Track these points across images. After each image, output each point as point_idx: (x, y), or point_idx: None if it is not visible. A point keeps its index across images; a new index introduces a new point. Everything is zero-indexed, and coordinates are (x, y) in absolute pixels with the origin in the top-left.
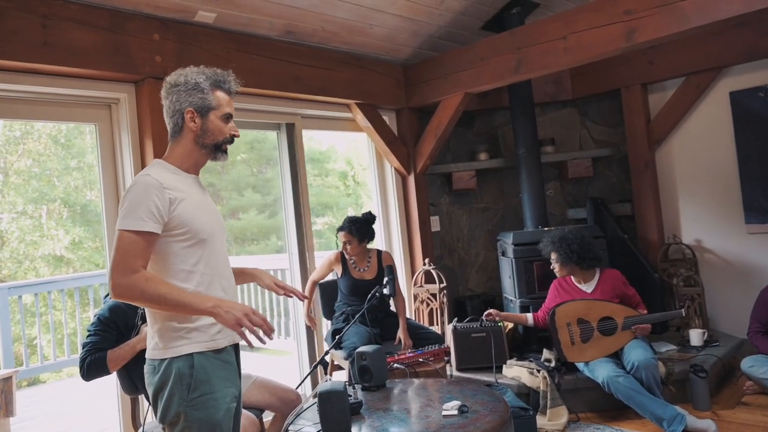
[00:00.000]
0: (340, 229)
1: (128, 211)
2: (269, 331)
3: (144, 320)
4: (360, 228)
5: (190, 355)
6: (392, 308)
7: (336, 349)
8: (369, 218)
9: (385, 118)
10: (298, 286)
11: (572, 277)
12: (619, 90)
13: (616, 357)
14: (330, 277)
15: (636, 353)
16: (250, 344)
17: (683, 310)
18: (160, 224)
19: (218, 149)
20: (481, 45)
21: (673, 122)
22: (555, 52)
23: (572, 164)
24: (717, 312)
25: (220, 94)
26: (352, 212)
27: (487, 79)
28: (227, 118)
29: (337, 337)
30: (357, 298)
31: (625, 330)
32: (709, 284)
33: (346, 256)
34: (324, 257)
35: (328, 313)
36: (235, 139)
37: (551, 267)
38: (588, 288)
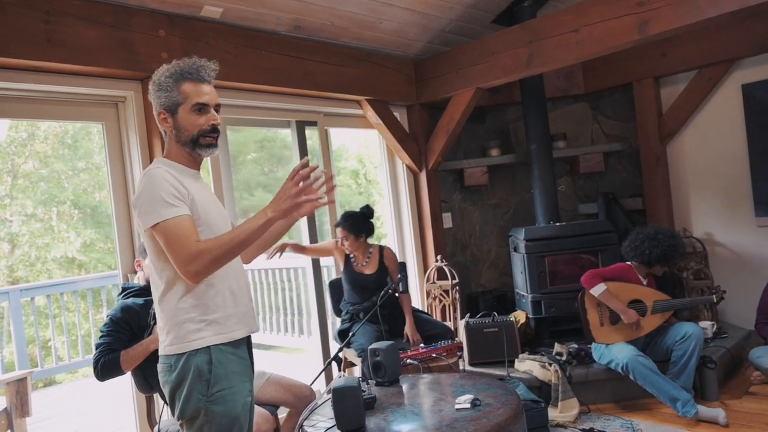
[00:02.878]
0: (337, 224)
1: (156, 204)
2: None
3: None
4: (355, 223)
5: (208, 349)
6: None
7: (347, 347)
8: (366, 212)
9: (396, 114)
10: (310, 284)
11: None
12: (631, 84)
13: (636, 343)
14: (336, 275)
15: (689, 325)
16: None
17: (714, 296)
18: (188, 207)
19: (196, 144)
20: (493, 39)
21: (685, 116)
22: (567, 45)
23: (584, 159)
24: (726, 304)
25: (187, 86)
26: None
27: (498, 74)
28: (199, 108)
29: (349, 335)
30: (358, 295)
31: (655, 314)
32: (719, 277)
33: (346, 251)
34: (328, 240)
35: (338, 311)
36: (218, 128)
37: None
38: (644, 279)
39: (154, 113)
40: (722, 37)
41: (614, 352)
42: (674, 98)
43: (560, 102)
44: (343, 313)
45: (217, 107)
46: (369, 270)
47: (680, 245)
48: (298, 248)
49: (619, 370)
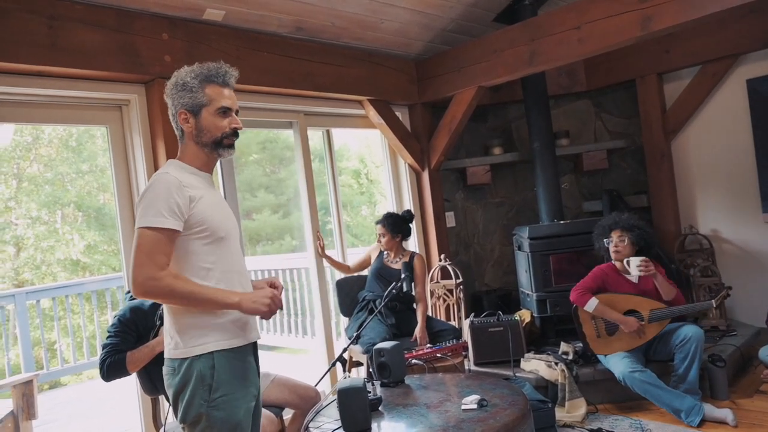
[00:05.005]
0: (378, 221)
1: (149, 209)
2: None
3: (163, 321)
4: (393, 223)
5: (211, 354)
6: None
7: (354, 343)
8: (405, 216)
9: (397, 114)
10: (314, 284)
11: (616, 265)
12: (634, 80)
13: (637, 351)
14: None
15: (689, 327)
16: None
17: (714, 301)
18: (181, 222)
19: (219, 145)
20: (494, 37)
21: (690, 112)
22: (569, 42)
23: (587, 156)
24: (734, 302)
25: (212, 89)
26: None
27: (500, 72)
28: (223, 111)
29: (357, 331)
30: (379, 284)
31: (652, 323)
32: (726, 274)
33: (381, 248)
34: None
35: (345, 311)
36: (239, 131)
37: (612, 247)
38: (633, 278)
39: (172, 113)
40: (726, 32)
41: (611, 364)
42: (678, 94)
43: (563, 99)
44: (360, 301)
45: (236, 112)
46: (396, 266)
47: (614, 219)
48: (329, 259)
49: (620, 382)
